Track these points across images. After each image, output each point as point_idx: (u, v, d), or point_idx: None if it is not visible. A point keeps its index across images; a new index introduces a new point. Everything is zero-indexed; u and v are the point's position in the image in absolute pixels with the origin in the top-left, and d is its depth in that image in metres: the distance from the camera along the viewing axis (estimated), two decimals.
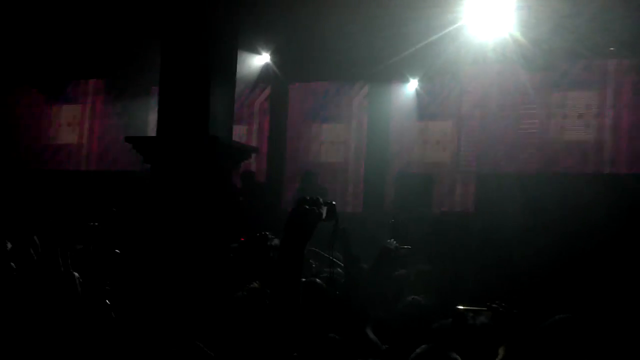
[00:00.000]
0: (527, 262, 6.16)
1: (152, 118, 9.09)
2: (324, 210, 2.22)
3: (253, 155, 7.62)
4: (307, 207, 2.15)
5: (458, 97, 9.06)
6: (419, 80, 9.64)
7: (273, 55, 8.47)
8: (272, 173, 9.82)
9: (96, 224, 3.56)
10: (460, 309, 2.99)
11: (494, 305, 2.86)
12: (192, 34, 4.54)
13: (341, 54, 7.70)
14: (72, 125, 11.25)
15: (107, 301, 3.11)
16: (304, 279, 3.28)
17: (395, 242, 3.93)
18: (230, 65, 4.97)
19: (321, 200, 2.21)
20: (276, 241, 3.91)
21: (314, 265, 4.65)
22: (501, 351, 2.80)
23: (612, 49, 6.63)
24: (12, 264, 3.56)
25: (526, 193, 7.23)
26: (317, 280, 3.58)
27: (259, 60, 8.62)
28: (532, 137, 8.32)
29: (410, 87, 9.86)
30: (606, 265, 5.76)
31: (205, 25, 4.54)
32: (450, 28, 6.17)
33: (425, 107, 9.68)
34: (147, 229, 4.40)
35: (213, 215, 4.47)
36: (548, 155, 8.05)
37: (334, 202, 2.29)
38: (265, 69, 8.77)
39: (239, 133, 9.68)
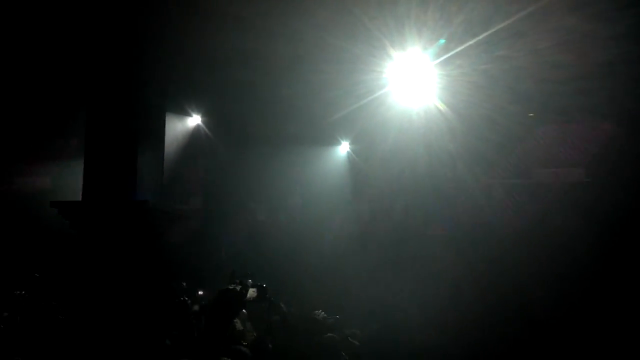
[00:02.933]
0: None
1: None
2: (253, 292, 2.18)
3: None
4: (231, 286, 2.16)
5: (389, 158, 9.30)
6: (350, 143, 9.93)
7: (204, 117, 8.43)
8: None
9: (23, 292, 3.37)
10: None
11: None
12: (117, 98, 4.50)
13: (271, 119, 7.79)
14: None
15: None
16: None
17: (322, 312, 3.97)
18: (159, 128, 4.94)
19: (249, 281, 2.17)
20: (196, 307, 3.83)
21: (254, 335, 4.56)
22: None
23: (531, 115, 6.99)
24: None
25: None
26: (242, 348, 3.51)
27: (190, 122, 8.57)
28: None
29: (342, 149, 10.14)
30: None
31: (132, 89, 4.52)
32: (378, 93, 6.42)
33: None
34: (78, 295, 4.17)
35: (141, 282, 4.31)
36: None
37: (264, 285, 2.26)
38: (197, 130, 8.71)
39: None
